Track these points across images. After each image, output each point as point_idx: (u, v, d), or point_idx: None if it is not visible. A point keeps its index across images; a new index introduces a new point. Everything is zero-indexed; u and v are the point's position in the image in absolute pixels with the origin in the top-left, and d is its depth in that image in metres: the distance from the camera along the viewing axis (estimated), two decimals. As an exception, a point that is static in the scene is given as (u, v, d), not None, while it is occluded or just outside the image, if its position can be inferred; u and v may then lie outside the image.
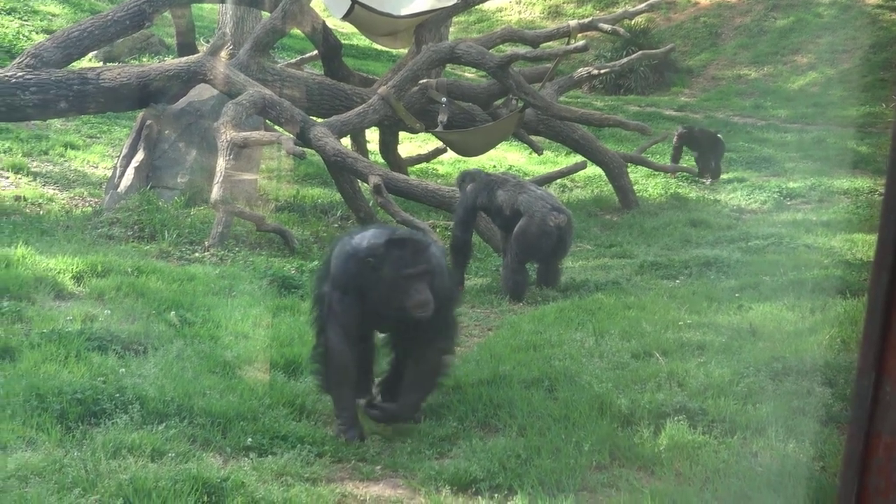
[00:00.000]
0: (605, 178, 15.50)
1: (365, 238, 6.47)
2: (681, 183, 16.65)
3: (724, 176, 17.08)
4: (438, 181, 14.85)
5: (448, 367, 6.83)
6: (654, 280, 10.87)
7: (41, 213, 12.27)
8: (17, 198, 12.73)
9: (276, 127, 12.98)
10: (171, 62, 13.83)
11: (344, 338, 6.43)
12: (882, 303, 2.04)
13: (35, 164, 14.22)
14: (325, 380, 6.60)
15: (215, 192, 11.40)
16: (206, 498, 5.35)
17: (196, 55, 14.06)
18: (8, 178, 13.45)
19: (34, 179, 13.58)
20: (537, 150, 15.89)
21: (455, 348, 7.13)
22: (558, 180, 15.86)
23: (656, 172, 16.73)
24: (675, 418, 6.49)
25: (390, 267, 6.23)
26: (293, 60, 17.02)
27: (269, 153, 13.89)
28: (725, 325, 8.60)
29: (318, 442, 6.23)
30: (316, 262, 11.09)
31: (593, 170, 16.04)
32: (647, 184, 16.47)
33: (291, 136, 11.97)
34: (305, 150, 11.96)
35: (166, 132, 13.07)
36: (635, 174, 16.23)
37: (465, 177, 11.25)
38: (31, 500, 5.17)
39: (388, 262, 6.25)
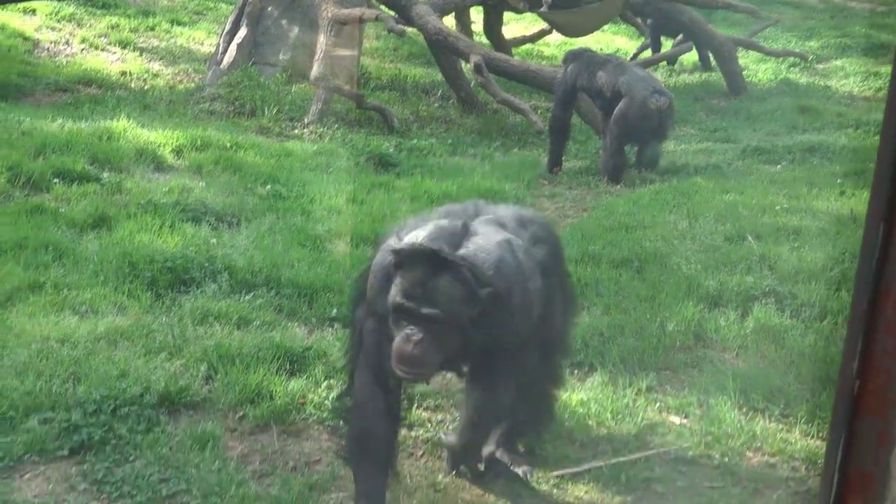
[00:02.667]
0: (714, 61, 15.14)
1: (409, 234, 4.28)
2: (791, 68, 16.18)
3: (836, 62, 16.57)
4: (543, 63, 14.63)
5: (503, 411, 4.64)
6: (756, 165, 10.64)
7: (145, 87, 12.41)
8: (123, 73, 12.89)
9: (379, 5, 12.86)
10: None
11: (373, 386, 4.40)
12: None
13: (141, 39, 14.36)
14: (346, 445, 4.56)
15: (316, 69, 11.42)
16: (288, 366, 5.43)
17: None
18: (115, 53, 13.62)
19: (140, 55, 13.72)
20: (644, 32, 15.57)
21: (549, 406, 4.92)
22: (664, 63, 15.56)
23: (767, 57, 16.26)
24: (764, 301, 6.40)
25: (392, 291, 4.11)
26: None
27: (370, 31, 13.82)
28: (824, 211, 8.41)
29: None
30: (414, 142, 11.09)
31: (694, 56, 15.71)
32: (757, 69, 16.04)
33: (393, 14, 11.89)
34: (407, 28, 11.86)
35: (269, 9, 13.06)
36: (745, 59, 15.80)
37: (569, 56, 11.04)
38: (119, 362, 5.29)
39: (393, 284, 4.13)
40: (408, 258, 4.03)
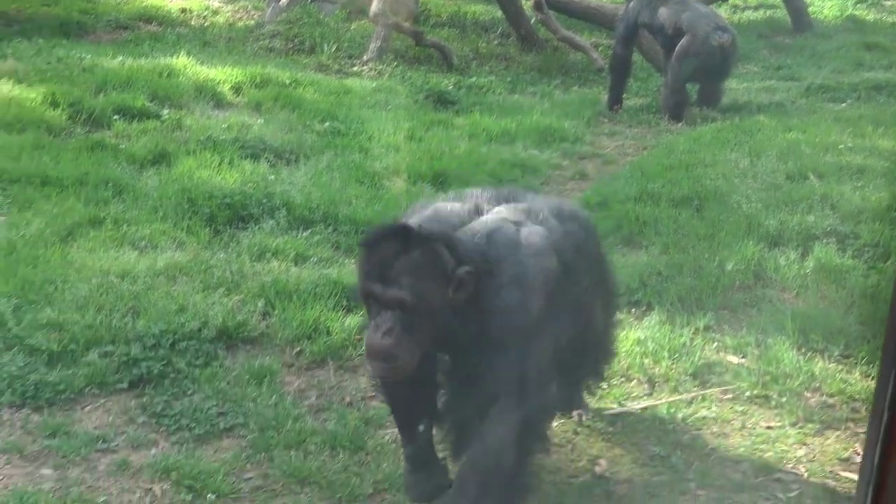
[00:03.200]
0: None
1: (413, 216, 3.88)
2: (858, 4, 15.85)
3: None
4: (604, 0, 14.46)
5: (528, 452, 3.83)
6: (820, 103, 10.49)
7: (205, 24, 12.42)
8: (183, 10, 12.90)
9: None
10: None
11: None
12: None
13: (202, -24, 14.34)
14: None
15: (375, 6, 11.36)
16: (345, 302, 5.43)
17: None
18: (175, -11, 13.60)
19: (201, -11, 13.70)
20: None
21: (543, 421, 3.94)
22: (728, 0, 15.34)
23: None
24: (825, 241, 6.31)
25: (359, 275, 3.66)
26: None
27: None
28: (890, 150, 8.26)
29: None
30: (473, 79, 11.02)
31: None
32: (823, 5, 15.75)
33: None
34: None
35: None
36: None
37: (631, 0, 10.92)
38: (178, 297, 5.33)
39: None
40: (375, 237, 3.55)
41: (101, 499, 4.02)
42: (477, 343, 3.64)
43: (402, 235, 3.47)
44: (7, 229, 6.02)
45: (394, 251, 3.43)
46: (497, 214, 3.82)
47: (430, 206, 3.92)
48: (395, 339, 3.44)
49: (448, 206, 3.89)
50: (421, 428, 4.02)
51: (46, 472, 4.16)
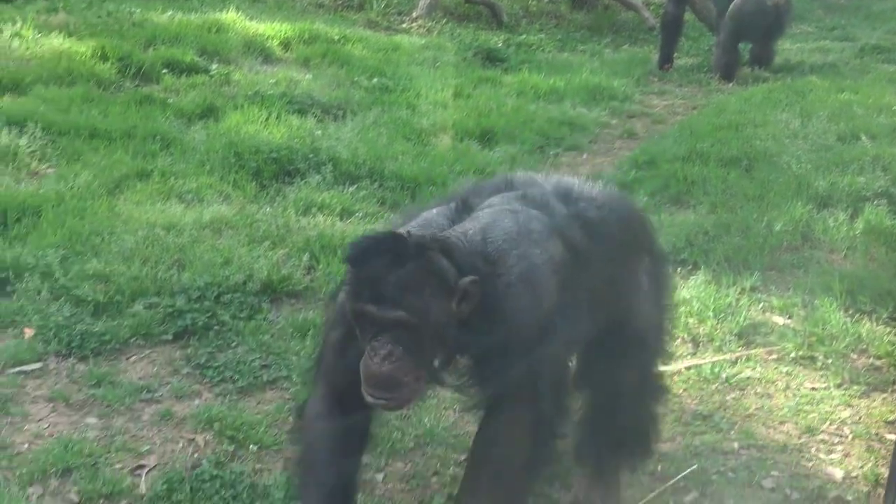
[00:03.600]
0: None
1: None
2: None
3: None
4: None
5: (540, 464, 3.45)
6: (875, 64, 10.36)
7: (255, -21, 12.38)
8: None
9: None
10: None
11: (327, 405, 3.42)
12: None
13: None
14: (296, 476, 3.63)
15: (425, -37, 11.32)
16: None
17: None
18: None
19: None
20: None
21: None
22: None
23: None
24: (875, 203, 6.24)
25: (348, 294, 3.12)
26: None
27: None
28: (945, 111, 8.16)
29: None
30: (523, 37, 10.94)
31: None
32: (879, -35, 15.49)
33: None
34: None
35: None
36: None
37: None
38: (223, 250, 5.34)
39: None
40: (363, 250, 2.99)
41: (145, 447, 4.06)
42: (485, 350, 3.16)
43: (394, 246, 2.94)
44: (55, 181, 6.06)
45: (386, 265, 2.91)
46: (489, 207, 3.31)
47: (416, 214, 3.40)
48: (398, 365, 2.97)
49: (434, 210, 3.37)
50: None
51: (91, 420, 4.20)
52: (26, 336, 4.66)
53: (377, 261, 2.93)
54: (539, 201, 3.37)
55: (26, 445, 4.03)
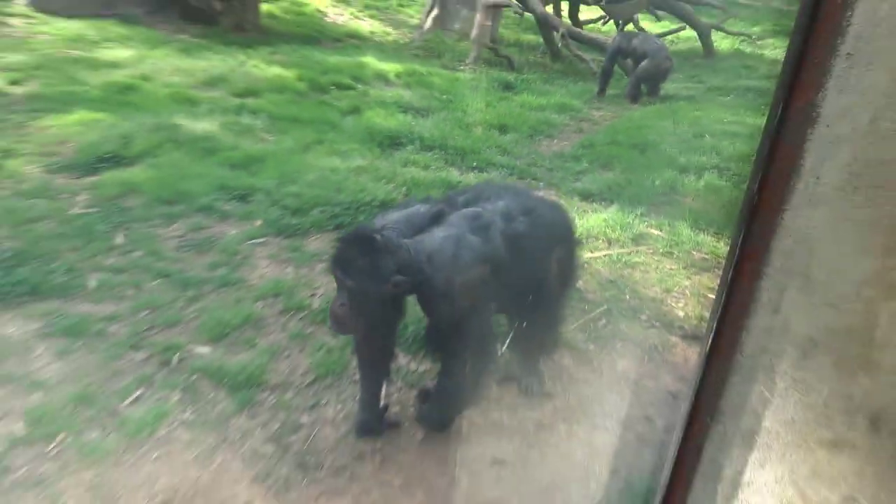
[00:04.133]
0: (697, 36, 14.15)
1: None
2: (742, 42, 15.00)
3: (769, 39, 15.30)
4: (602, 34, 13.89)
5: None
6: (715, 97, 10.03)
7: (383, 40, 12.16)
8: (371, 31, 12.63)
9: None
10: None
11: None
12: None
13: (381, 13, 14.02)
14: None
15: (474, 34, 11.05)
16: (447, 190, 5.41)
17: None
18: (367, 20, 13.34)
19: (381, 22, 13.42)
20: (658, 17, 14.53)
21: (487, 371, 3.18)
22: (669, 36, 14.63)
23: (727, 35, 15.07)
24: (711, 171, 6.11)
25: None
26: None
27: (506, 12, 13.23)
28: (752, 125, 7.93)
29: (510, 167, 6.12)
30: (525, 76, 10.74)
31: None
32: (721, 42, 14.93)
33: (517, 3, 11.40)
34: (524, 11, 11.40)
35: (451, -2, 12.62)
36: (715, 35, 14.72)
37: (617, 33, 10.47)
38: (360, 184, 5.33)
39: None
40: (349, 236, 2.75)
41: (317, 284, 4.10)
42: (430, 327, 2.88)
43: (363, 241, 2.67)
44: (273, 145, 6.07)
45: (355, 250, 2.66)
46: (445, 228, 2.79)
47: (409, 206, 2.94)
48: (344, 312, 2.69)
49: (422, 209, 2.89)
50: (378, 381, 3.11)
51: (289, 269, 4.26)
52: (256, 224, 4.72)
53: (352, 245, 2.67)
54: (486, 223, 2.83)
55: (255, 281, 4.10)
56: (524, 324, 3.23)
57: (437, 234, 2.77)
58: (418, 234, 2.78)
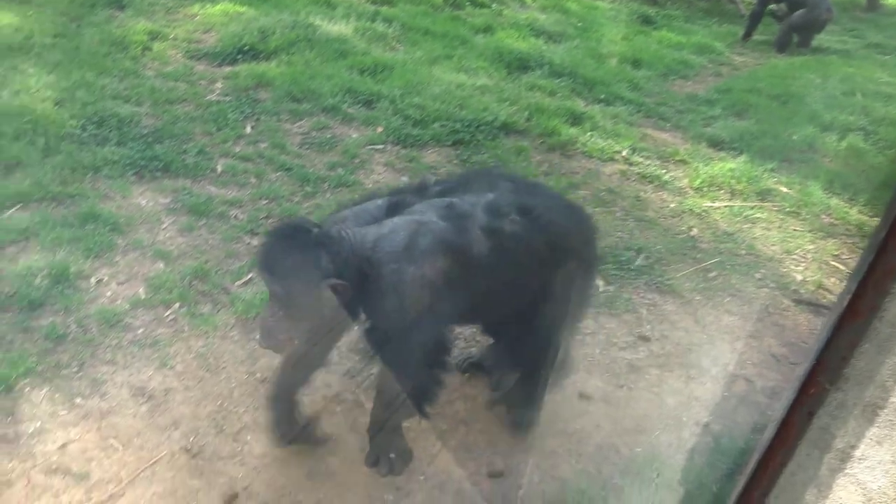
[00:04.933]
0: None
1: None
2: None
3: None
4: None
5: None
6: (874, 55, 9.14)
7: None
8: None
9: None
10: None
11: None
12: None
13: None
14: None
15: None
16: (571, 120, 5.21)
17: None
18: None
19: None
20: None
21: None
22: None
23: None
24: (855, 133, 5.59)
25: None
26: None
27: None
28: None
29: (638, 103, 5.83)
30: (667, 11, 10.12)
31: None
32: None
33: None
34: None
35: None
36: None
37: None
38: (484, 102, 5.20)
39: None
40: (276, 232, 2.26)
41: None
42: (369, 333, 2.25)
43: (294, 234, 2.17)
44: (402, 54, 6.01)
45: (283, 249, 2.13)
46: (407, 215, 2.20)
47: (362, 204, 2.31)
48: (273, 325, 2.16)
49: (377, 201, 2.28)
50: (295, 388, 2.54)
51: (404, 178, 4.26)
52: (378, 131, 4.72)
53: (280, 243, 2.16)
54: (460, 213, 2.21)
55: (369, 185, 4.12)
56: (505, 346, 2.62)
57: (390, 221, 2.18)
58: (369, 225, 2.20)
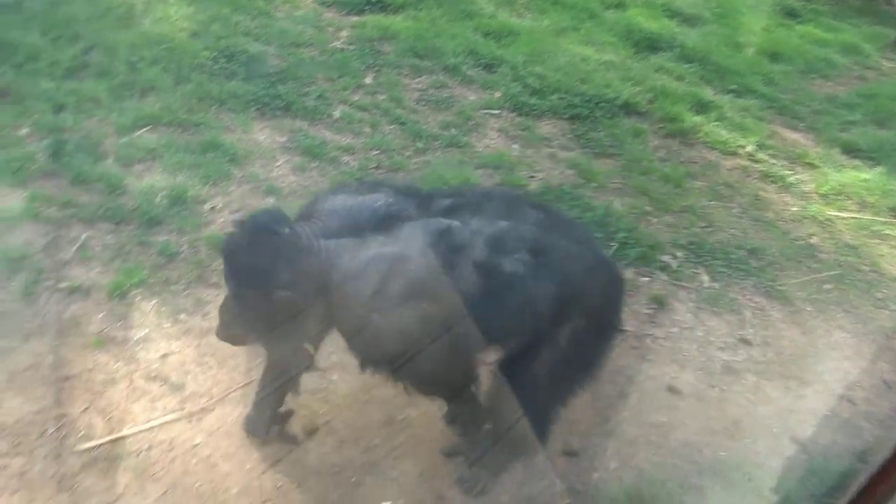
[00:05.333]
0: None
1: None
2: None
3: None
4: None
5: None
6: None
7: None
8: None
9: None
10: None
11: None
12: None
13: None
14: None
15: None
16: (696, 108, 4.98)
17: None
18: None
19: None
20: None
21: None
22: None
23: None
24: None
25: None
26: None
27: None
28: None
29: (771, 98, 5.51)
30: (814, 5, 9.49)
31: None
32: None
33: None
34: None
35: None
36: None
37: None
38: (607, 79, 5.03)
39: None
40: (241, 230, 2.04)
41: (538, 166, 4.01)
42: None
43: (259, 232, 1.98)
44: (529, 21, 5.89)
45: (245, 246, 1.97)
46: (385, 240, 1.95)
47: (362, 197, 2.06)
48: (229, 319, 2.05)
49: (371, 203, 2.03)
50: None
51: (515, 146, 4.19)
52: (496, 95, 4.66)
53: (244, 239, 2.00)
54: (455, 244, 1.95)
55: (480, 148, 4.10)
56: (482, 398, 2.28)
57: (367, 249, 1.94)
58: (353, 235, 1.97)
